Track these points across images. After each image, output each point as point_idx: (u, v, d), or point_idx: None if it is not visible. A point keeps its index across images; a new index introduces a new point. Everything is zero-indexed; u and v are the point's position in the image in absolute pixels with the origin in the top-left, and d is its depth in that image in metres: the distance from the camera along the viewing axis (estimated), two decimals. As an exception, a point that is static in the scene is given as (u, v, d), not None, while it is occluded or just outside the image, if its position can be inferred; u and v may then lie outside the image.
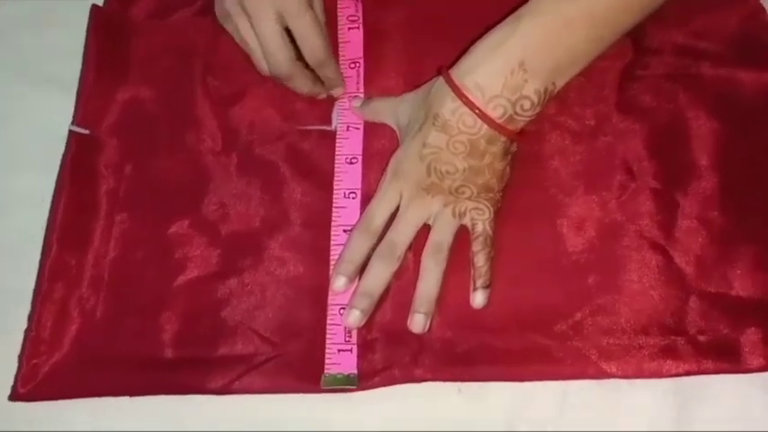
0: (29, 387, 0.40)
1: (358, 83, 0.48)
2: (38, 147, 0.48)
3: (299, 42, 0.45)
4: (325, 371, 0.40)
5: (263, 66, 0.46)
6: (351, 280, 0.42)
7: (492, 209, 0.42)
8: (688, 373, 0.39)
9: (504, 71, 0.39)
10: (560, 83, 0.41)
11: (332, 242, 0.44)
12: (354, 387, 0.40)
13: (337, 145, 0.47)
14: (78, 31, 0.52)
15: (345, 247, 0.43)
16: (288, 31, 0.45)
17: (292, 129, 0.48)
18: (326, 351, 0.41)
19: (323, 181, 0.46)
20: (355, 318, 0.41)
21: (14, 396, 0.40)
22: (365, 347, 0.41)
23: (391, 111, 0.46)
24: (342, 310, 0.42)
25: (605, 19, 0.40)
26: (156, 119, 0.49)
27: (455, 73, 0.41)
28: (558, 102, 0.46)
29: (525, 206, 0.44)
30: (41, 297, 0.43)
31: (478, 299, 0.41)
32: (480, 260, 0.41)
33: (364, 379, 0.40)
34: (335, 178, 0.45)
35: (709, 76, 0.47)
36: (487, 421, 0.39)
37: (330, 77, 0.46)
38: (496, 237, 0.43)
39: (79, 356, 0.42)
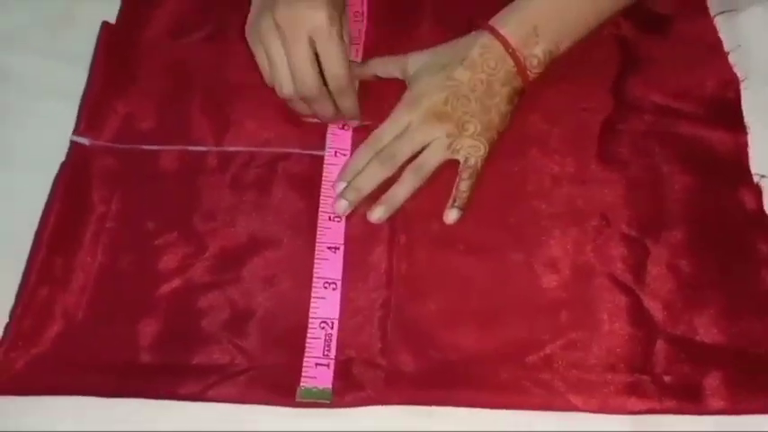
0: (1, 378, 0.41)
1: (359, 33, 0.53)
2: (39, 152, 0.50)
3: (324, 68, 0.47)
4: (301, 384, 0.41)
5: (287, 88, 0.47)
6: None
7: (487, 147, 0.48)
8: (650, 412, 0.40)
9: (521, 32, 0.47)
10: (563, 47, 0.49)
11: (316, 257, 0.45)
12: (328, 402, 0.40)
13: (324, 171, 0.49)
14: (88, 42, 0.54)
15: (350, 159, 0.48)
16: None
17: (285, 153, 0.50)
18: (304, 364, 0.41)
19: (310, 203, 0.47)
20: (342, 206, 0.46)
21: (-14, 385, 0.41)
22: (342, 365, 0.42)
23: (399, 63, 0.51)
24: (323, 324, 0.43)
25: None
26: (154, 134, 0.51)
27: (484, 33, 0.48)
28: (540, 147, 0.49)
29: (504, 242, 0.46)
30: (26, 294, 0.43)
31: (452, 215, 0.46)
32: (463, 186, 0.47)
33: (338, 396, 0.41)
34: (321, 201, 0.47)
35: (685, 135, 0.50)
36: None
37: (347, 107, 0.49)
38: (475, 270, 0.45)
39: (57, 355, 0.42)
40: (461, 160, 0.47)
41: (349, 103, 0.49)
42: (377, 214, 0.46)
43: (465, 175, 0.47)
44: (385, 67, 0.51)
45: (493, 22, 0.48)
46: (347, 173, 0.48)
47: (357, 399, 0.41)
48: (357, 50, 0.54)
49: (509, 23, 0.48)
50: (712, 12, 0.56)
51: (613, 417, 0.40)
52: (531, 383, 0.41)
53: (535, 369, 0.41)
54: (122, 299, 0.44)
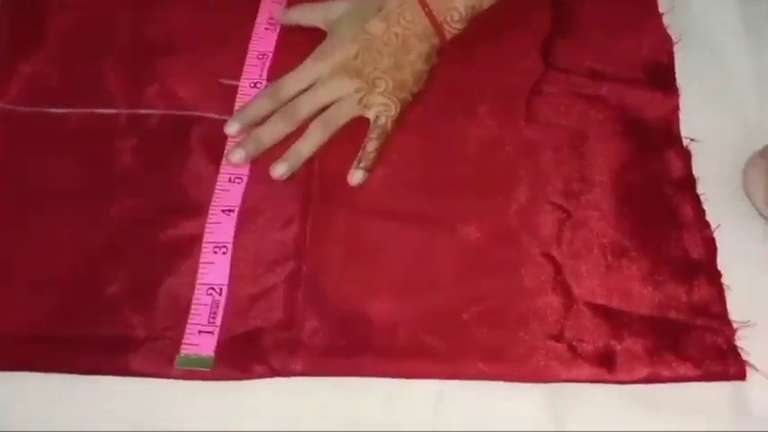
0: None
1: (261, 72, 0.49)
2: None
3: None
4: (181, 351, 0.39)
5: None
6: (243, 129, 0.45)
7: (399, 107, 0.46)
8: (567, 380, 0.39)
9: None
10: (486, 3, 0.47)
11: (208, 221, 0.43)
12: (209, 370, 0.39)
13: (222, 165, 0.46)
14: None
15: (247, 103, 0.46)
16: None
17: (197, 116, 0.47)
18: (186, 331, 0.40)
19: (217, 168, 0.45)
20: (239, 156, 0.44)
21: None
22: (241, 337, 0.40)
23: (322, 11, 0.49)
24: (210, 290, 0.41)
25: None
26: (61, 96, 0.48)
27: None
28: (465, 110, 0.48)
29: (425, 209, 0.44)
30: None
31: (357, 177, 0.44)
32: (370, 146, 0.45)
33: (232, 367, 0.39)
34: (222, 162, 0.45)
35: (615, 97, 0.48)
36: (359, 419, 0.38)
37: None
38: (393, 237, 0.43)
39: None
40: (371, 119, 0.46)
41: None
42: (279, 170, 0.44)
43: (373, 134, 0.45)
44: (308, 15, 0.50)
45: None
46: (241, 115, 0.46)
47: (263, 371, 0.39)
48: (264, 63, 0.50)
49: None
50: (648, -29, 0.54)
51: (529, 385, 0.39)
52: (444, 351, 0.39)
53: (448, 337, 0.40)
54: (19, 269, 0.42)
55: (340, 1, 0.49)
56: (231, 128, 0.45)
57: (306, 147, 0.45)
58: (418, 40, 0.46)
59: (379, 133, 0.45)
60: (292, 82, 0.46)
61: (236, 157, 0.44)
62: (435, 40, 0.46)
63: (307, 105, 0.46)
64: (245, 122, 0.45)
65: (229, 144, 0.46)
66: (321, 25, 0.49)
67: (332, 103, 0.46)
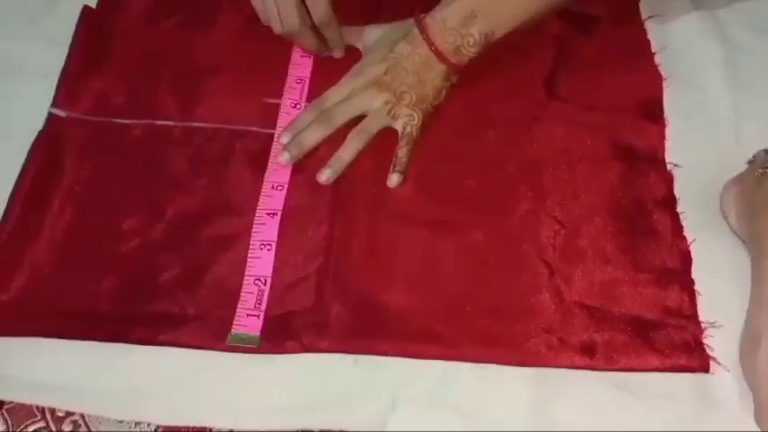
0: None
1: (301, 95, 0.56)
2: (21, 124, 0.54)
3: (309, 6, 0.54)
4: (232, 330, 0.46)
5: (276, 26, 0.55)
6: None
7: (421, 117, 0.53)
8: (554, 365, 0.45)
9: (462, 12, 0.52)
10: (498, 33, 0.52)
11: (255, 222, 0.50)
12: (255, 346, 0.45)
13: (273, 147, 0.53)
14: (71, 27, 0.59)
15: (297, 115, 0.54)
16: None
17: (243, 130, 0.54)
18: (237, 314, 0.46)
19: (261, 176, 0.52)
20: (285, 158, 0.52)
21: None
22: (280, 318, 0.46)
23: (357, 34, 0.58)
24: (257, 281, 0.48)
25: None
26: (124, 109, 0.55)
27: (428, 14, 0.53)
28: (479, 138, 0.54)
29: (437, 217, 0.51)
30: (-1, 247, 0.48)
31: (394, 179, 0.52)
32: (402, 152, 0.52)
33: (271, 343, 0.45)
34: (267, 172, 0.52)
35: (608, 126, 0.55)
36: (373, 392, 0.44)
37: (331, 38, 0.57)
38: (411, 240, 0.50)
39: (22, 301, 0.47)
40: (399, 129, 0.53)
41: (332, 33, 0.56)
42: (325, 175, 0.51)
43: (403, 142, 0.52)
44: (350, 35, 0.58)
45: (431, 14, 0.52)
46: (293, 127, 0.53)
47: (293, 347, 0.45)
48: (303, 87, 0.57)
49: (446, 9, 0.52)
50: (643, 15, 0.61)
51: (521, 369, 0.45)
52: (449, 337, 0.46)
53: (453, 325, 0.46)
54: (86, 255, 0.49)
55: (374, 27, 0.57)
56: (284, 138, 0.53)
57: (347, 154, 0.52)
58: (437, 62, 0.52)
59: (407, 140, 0.52)
60: (334, 95, 0.54)
61: (283, 159, 0.52)
62: (450, 63, 0.53)
63: (341, 113, 0.53)
64: (295, 133, 0.53)
65: (271, 157, 0.53)
66: (359, 45, 0.57)
67: (364, 114, 0.53)
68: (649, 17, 0.61)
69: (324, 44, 0.57)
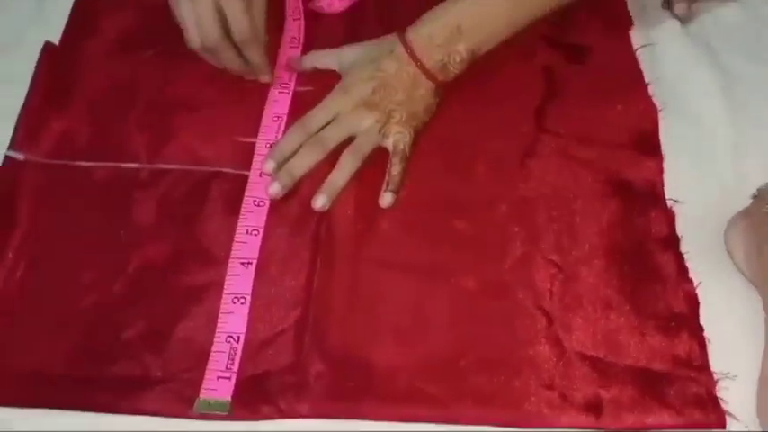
0: None
1: (277, 134, 0.53)
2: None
3: (229, 21, 0.50)
4: (200, 395, 0.42)
5: (194, 39, 0.51)
6: (279, 166, 0.50)
7: (412, 134, 0.51)
8: (557, 426, 0.41)
9: (447, 29, 0.51)
10: (484, 49, 0.52)
11: (228, 273, 0.46)
12: (225, 413, 0.41)
13: (247, 189, 0.50)
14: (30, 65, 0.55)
15: (281, 139, 0.51)
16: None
17: (216, 171, 0.51)
18: (206, 376, 0.42)
19: (235, 221, 0.48)
20: (275, 189, 0.49)
21: None
22: (255, 379, 0.42)
23: (334, 56, 0.55)
24: (228, 338, 0.43)
25: (521, 6, 0.52)
26: (88, 151, 0.52)
27: (410, 30, 0.52)
28: (468, 175, 0.51)
29: (426, 263, 0.47)
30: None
31: (387, 199, 0.49)
32: (395, 170, 0.50)
33: (244, 408, 0.41)
34: (241, 216, 0.49)
35: (603, 161, 0.52)
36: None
37: (254, 60, 0.53)
38: (394, 288, 0.46)
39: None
40: (390, 147, 0.51)
41: (255, 55, 0.53)
42: (320, 202, 0.48)
43: (395, 159, 0.50)
44: (321, 59, 0.56)
45: (414, 28, 0.51)
46: (275, 153, 0.50)
47: (269, 412, 0.41)
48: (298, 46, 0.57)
49: (432, 24, 0.51)
50: (635, 45, 0.58)
51: (521, 431, 0.41)
52: (442, 397, 0.42)
53: (446, 382, 0.42)
54: (41, 312, 0.45)
55: (350, 47, 0.55)
56: (268, 165, 0.50)
57: (340, 177, 0.49)
58: (425, 79, 0.51)
59: (400, 158, 0.50)
60: (319, 114, 0.51)
61: (273, 191, 0.49)
62: (437, 80, 0.51)
63: (333, 136, 0.50)
64: (280, 159, 0.50)
65: (246, 200, 0.49)
66: (335, 67, 0.55)
67: (354, 135, 0.51)
68: (641, 46, 0.58)
69: (248, 66, 0.53)
